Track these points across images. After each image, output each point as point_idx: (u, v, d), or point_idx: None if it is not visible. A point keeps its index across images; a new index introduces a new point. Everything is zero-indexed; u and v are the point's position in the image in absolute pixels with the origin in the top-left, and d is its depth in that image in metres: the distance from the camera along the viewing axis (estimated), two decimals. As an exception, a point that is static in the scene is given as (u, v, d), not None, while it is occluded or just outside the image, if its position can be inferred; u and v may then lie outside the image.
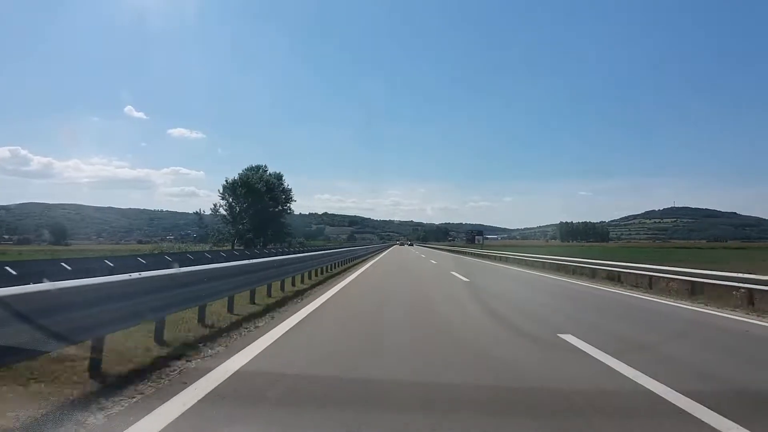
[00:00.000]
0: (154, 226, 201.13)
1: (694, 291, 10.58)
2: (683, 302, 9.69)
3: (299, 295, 10.03)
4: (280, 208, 55.52)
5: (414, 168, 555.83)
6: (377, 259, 32.53)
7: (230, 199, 52.48)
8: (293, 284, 11.40)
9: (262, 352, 4.86)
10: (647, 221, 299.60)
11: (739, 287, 9.31)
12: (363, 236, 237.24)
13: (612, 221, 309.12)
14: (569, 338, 5.65)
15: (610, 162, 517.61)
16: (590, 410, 3.28)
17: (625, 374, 4.10)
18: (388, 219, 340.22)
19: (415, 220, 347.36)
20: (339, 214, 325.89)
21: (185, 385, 3.67)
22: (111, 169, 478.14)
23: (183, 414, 3.07)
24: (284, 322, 6.60)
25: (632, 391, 3.71)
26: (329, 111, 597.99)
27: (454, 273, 17.80)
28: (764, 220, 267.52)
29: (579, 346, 5.25)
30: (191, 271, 6.04)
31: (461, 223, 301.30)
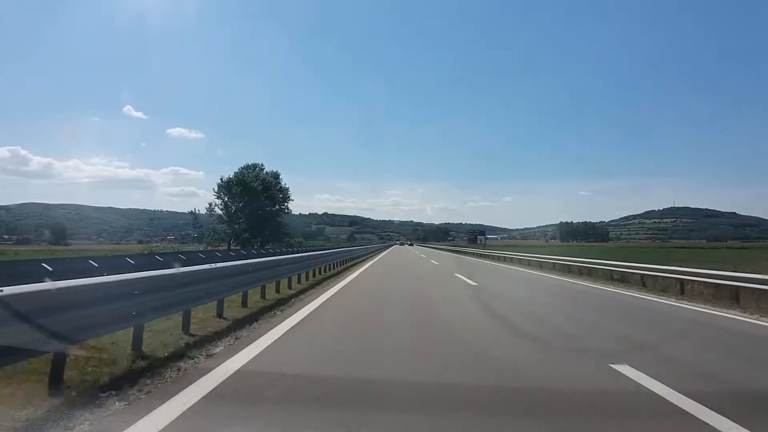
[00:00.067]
0: (154, 226, 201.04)
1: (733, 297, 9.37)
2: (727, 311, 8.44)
3: (280, 306, 8.47)
4: (277, 207, 54.65)
5: (414, 168, 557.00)
6: (376, 259, 32.49)
7: (225, 198, 51.50)
8: (289, 286, 10.99)
9: (262, 351, 4.85)
10: (647, 221, 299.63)
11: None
12: (363, 236, 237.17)
13: (612, 221, 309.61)
14: (627, 371, 4.16)
15: (610, 162, 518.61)
16: (590, 410, 3.28)
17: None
18: (388, 219, 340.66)
19: (415, 220, 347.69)
20: (339, 214, 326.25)
21: (185, 385, 3.67)
22: (111, 169, 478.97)
23: (183, 414, 3.07)
24: (283, 323, 6.59)
25: (633, 391, 3.70)
26: (329, 111, 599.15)
27: (458, 275, 16.59)
28: (764, 220, 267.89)
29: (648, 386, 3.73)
30: (168, 275, 5.35)
31: (461, 223, 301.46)
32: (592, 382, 3.98)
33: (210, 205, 51.67)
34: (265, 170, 54.15)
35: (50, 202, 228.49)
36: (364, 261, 28.38)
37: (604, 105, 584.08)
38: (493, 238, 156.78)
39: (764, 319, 7.68)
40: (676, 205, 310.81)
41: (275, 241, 52.34)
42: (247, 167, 53.47)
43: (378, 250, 53.52)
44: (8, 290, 3.08)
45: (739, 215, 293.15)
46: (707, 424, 2.98)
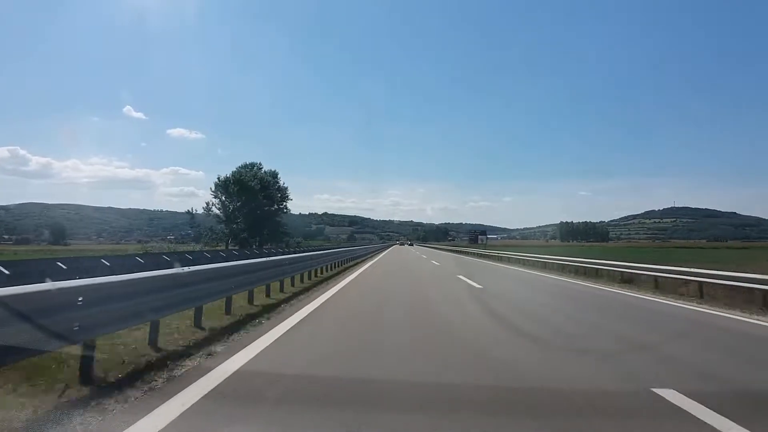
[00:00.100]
0: (154, 226, 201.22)
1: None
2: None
3: (255, 320, 6.96)
4: (275, 207, 53.93)
5: (414, 168, 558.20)
6: (376, 260, 32.47)
7: (223, 198, 50.60)
8: (281, 289, 10.27)
9: (261, 351, 4.85)
10: (647, 221, 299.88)
11: None
12: (363, 236, 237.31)
13: (612, 221, 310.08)
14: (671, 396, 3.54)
15: (610, 162, 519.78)
16: (590, 410, 3.28)
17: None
18: (387, 219, 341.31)
19: (415, 220, 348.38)
20: (339, 214, 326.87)
21: (185, 385, 3.67)
22: (111, 169, 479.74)
23: (182, 414, 3.07)
24: (282, 323, 6.59)
25: (633, 391, 3.70)
26: (329, 111, 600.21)
27: (461, 277, 15.89)
28: (764, 220, 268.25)
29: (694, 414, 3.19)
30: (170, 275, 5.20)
31: (461, 223, 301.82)
32: (592, 381, 3.98)
33: (207, 204, 50.80)
34: (263, 169, 53.45)
35: (50, 202, 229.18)
36: (363, 261, 28.36)
37: (604, 105, 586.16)
38: (493, 238, 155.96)
39: (764, 319, 7.68)
40: (676, 205, 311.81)
41: (274, 241, 51.70)
42: (245, 166, 52.64)
43: (378, 250, 53.21)
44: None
45: (740, 215, 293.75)
46: (707, 424, 2.98)
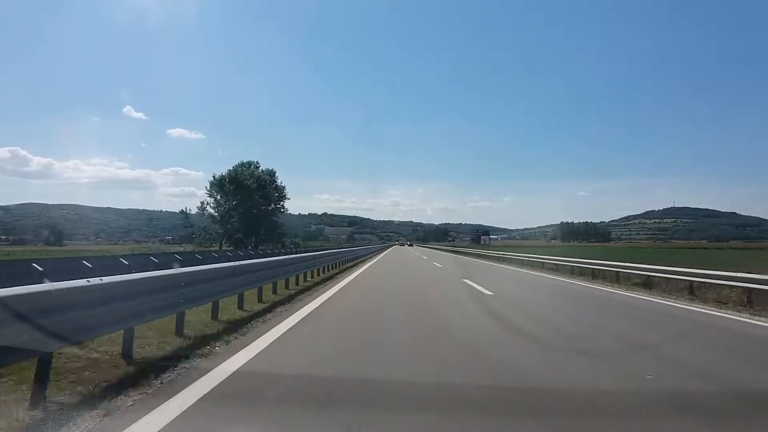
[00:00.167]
0: (153, 226, 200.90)
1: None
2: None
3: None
4: (273, 206, 52.44)
5: (414, 168, 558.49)
6: (376, 260, 32.44)
7: (218, 196, 48.96)
8: (274, 291, 9.73)
9: (261, 351, 4.84)
10: (647, 221, 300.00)
11: None
12: (362, 236, 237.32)
13: (612, 221, 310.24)
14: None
15: (610, 162, 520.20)
16: (590, 410, 3.28)
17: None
18: (387, 219, 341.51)
19: (415, 220, 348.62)
20: (338, 214, 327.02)
21: (184, 385, 3.66)
22: (111, 169, 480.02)
23: (182, 414, 3.06)
24: (282, 323, 6.59)
25: (633, 391, 3.70)
26: (329, 111, 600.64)
27: (467, 281, 14.08)
28: (764, 220, 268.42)
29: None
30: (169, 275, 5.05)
31: (461, 224, 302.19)
32: (592, 381, 3.98)
33: (202, 203, 49.30)
34: (260, 168, 52.02)
35: (50, 203, 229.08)
36: (363, 262, 28.35)
37: (604, 105, 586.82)
38: (494, 239, 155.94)
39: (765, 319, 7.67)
40: (676, 205, 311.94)
41: (270, 241, 50.35)
42: (242, 165, 51.17)
43: (377, 251, 52.82)
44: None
45: (740, 215, 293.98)
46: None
